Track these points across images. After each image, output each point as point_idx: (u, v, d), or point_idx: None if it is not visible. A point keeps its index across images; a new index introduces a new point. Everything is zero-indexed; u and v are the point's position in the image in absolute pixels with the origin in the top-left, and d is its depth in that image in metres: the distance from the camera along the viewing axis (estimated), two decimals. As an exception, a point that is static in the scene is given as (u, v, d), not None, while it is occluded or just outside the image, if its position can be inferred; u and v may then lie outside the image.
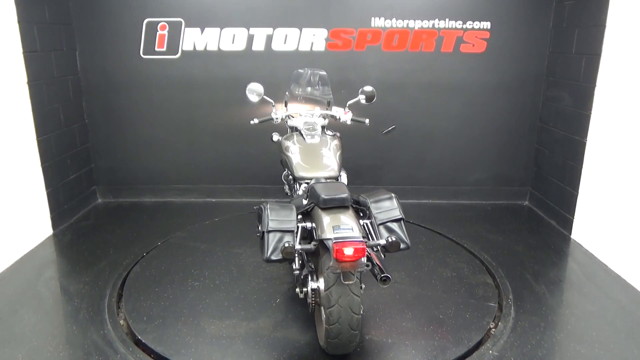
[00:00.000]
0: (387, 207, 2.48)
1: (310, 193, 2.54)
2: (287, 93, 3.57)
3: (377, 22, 4.41)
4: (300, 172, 2.96)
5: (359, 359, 2.52)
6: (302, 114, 3.39)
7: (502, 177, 4.86)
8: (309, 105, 3.53)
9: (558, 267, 3.59)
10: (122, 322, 2.86)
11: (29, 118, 3.76)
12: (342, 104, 3.48)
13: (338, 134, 3.32)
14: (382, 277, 2.16)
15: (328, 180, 2.81)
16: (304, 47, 4.46)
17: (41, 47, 3.90)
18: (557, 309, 3.03)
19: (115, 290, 3.16)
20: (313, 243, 2.40)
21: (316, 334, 2.66)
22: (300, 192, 2.99)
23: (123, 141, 4.74)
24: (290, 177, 3.26)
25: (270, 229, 2.34)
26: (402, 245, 2.42)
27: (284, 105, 3.53)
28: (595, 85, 3.73)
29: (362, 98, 3.39)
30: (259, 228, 2.47)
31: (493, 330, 2.81)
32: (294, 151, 3.10)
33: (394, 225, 2.46)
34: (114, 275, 3.35)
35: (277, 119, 3.40)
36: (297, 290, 2.56)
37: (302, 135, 3.21)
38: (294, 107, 3.51)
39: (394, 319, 2.86)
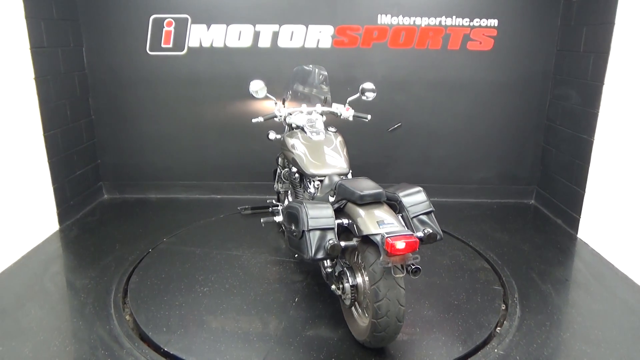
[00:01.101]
0: (418, 201, 2.52)
1: (340, 190, 2.53)
2: (289, 92, 3.55)
3: (384, 19, 4.40)
4: (311, 170, 2.97)
5: (396, 350, 2.53)
6: (304, 111, 3.39)
7: (508, 175, 4.84)
8: (306, 102, 3.53)
9: (564, 266, 3.57)
10: (127, 317, 2.88)
11: (36, 114, 3.78)
12: (346, 101, 3.47)
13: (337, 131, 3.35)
14: (413, 269, 2.20)
15: (341, 176, 2.90)
16: (310, 44, 4.45)
17: (48, 43, 3.91)
18: (563, 308, 3.02)
19: (121, 286, 3.18)
20: (355, 239, 2.39)
21: (347, 330, 2.67)
22: (312, 190, 3.01)
23: (129, 137, 4.76)
24: (296, 174, 3.26)
25: (311, 228, 2.34)
26: (437, 237, 2.47)
27: (282, 102, 3.53)
28: (603, 84, 3.70)
29: (362, 94, 3.40)
30: (292, 227, 2.50)
31: (498, 329, 2.80)
32: (301, 148, 3.11)
33: (426, 218, 2.49)
34: (120, 271, 3.37)
35: (280, 116, 3.40)
36: (334, 287, 2.58)
37: (304, 132, 3.22)
38: (292, 105, 3.52)
39: (414, 308, 2.91)
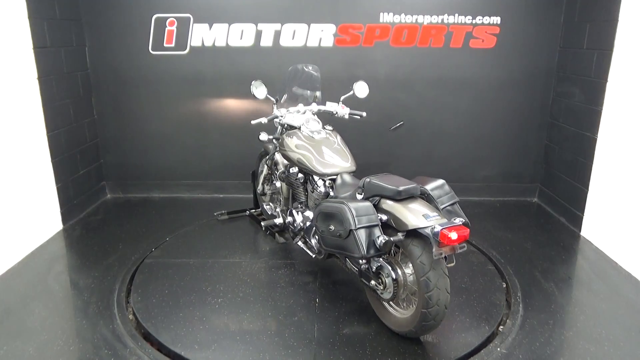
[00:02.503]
0: (444, 192, 2.58)
1: (370, 187, 2.56)
2: (285, 94, 3.52)
3: (386, 18, 4.39)
4: (322, 169, 3.00)
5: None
6: (301, 111, 3.38)
7: (511, 173, 4.83)
8: (302, 102, 3.53)
9: (567, 264, 3.56)
10: (130, 316, 2.89)
11: (39, 113, 3.79)
12: (347, 100, 3.47)
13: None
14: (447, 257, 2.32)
15: (350, 174, 2.99)
16: (312, 42, 4.45)
17: (51, 43, 3.92)
18: (566, 306, 3.01)
19: (125, 285, 3.19)
20: (400, 234, 2.41)
21: (379, 324, 2.73)
22: (322, 189, 3.04)
23: (132, 137, 4.77)
24: (298, 174, 3.25)
25: (359, 226, 2.37)
26: (469, 225, 2.52)
27: (274, 103, 3.51)
28: (606, 81, 3.69)
29: (355, 92, 3.40)
30: (331, 227, 2.51)
31: (501, 327, 2.79)
32: (305, 148, 3.12)
33: (453, 208, 2.55)
34: (123, 270, 3.38)
35: (281, 117, 3.39)
36: (373, 282, 2.57)
37: (302, 132, 3.23)
38: (286, 105, 3.51)
39: None
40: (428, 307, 2.35)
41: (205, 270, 3.37)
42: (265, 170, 3.86)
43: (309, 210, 3.25)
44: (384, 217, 2.48)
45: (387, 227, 2.47)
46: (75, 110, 4.31)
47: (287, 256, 3.58)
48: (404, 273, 2.51)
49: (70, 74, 4.24)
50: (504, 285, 3.22)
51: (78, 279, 3.30)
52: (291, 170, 3.31)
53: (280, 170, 3.52)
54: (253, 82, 3.36)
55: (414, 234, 2.36)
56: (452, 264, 2.40)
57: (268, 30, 4.42)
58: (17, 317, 2.84)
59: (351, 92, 3.40)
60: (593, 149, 3.85)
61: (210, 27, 4.43)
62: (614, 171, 3.65)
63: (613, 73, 3.63)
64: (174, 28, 4.45)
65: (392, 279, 2.49)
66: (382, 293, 2.57)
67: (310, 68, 3.52)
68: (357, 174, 3.28)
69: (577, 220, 4.05)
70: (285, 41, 4.45)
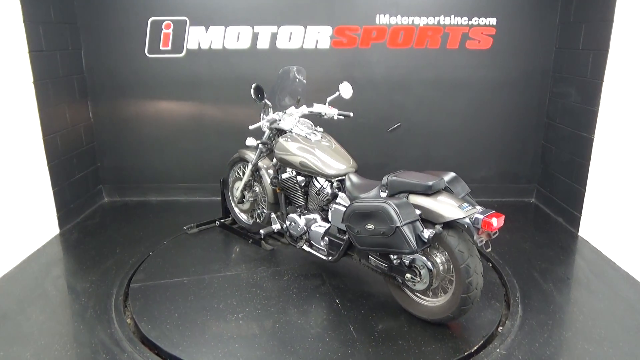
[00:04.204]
0: (460, 184, 2.69)
1: (395, 184, 2.65)
2: (276, 95, 3.49)
3: (382, 19, 4.39)
4: (328, 170, 3.02)
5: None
6: (294, 114, 3.38)
7: (508, 174, 4.83)
8: (294, 105, 3.52)
9: (565, 264, 3.57)
10: (128, 320, 2.87)
11: (35, 117, 3.78)
12: (326, 101, 3.46)
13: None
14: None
15: (355, 173, 3.06)
16: (309, 44, 4.45)
17: (47, 46, 3.91)
18: (565, 306, 3.01)
19: (122, 289, 3.17)
20: (438, 226, 2.48)
21: (407, 315, 2.82)
22: (328, 191, 3.07)
23: (128, 140, 4.75)
24: (299, 177, 3.23)
25: (405, 222, 2.44)
26: None
27: (271, 107, 3.49)
28: (602, 81, 3.70)
29: (341, 93, 3.39)
30: (372, 227, 2.54)
31: (500, 328, 2.79)
32: (306, 150, 3.12)
33: (466, 198, 2.65)
34: (121, 274, 3.36)
35: (279, 120, 3.38)
36: (409, 275, 2.63)
37: (297, 134, 3.24)
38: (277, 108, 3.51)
39: None
40: (469, 292, 2.50)
41: (207, 288, 3.17)
42: (245, 177, 3.75)
43: (311, 213, 3.24)
44: (418, 212, 2.55)
45: (422, 220, 2.55)
46: (71, 114, 4.30)
47: (282, 262, 3.52)
48: (436, 263, 2.62)
49: (66, 77, 4.22)
50: (503, 286, 3.22)
51: (75, 283, 3.28)
52: (288, 174, 3.29)
53: (272, 176, 3.47)
54: (253, 86, 3.35)
55: (448, 225, 2.48)
56: (489, 249, 2.55)
57: (264, 33, 4.42)
58: (14, 322, 2.82)
59: (337, 94, 3.39)
60: (590, 149, 3.85)
61: (207, 30, 4.42)
62: (611, 171, 3.65)
63: (609, 73, 3.64)
64: (170, 31, 4.44)
65: (428, 269, 2.58)
66: (415, 285, 2.65)
67: (294, 69, 3.50)
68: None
69: (575, 221, 4.06)
70: (282, 43, 4.44)
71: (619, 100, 3.56)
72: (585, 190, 3.93)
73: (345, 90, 3.38)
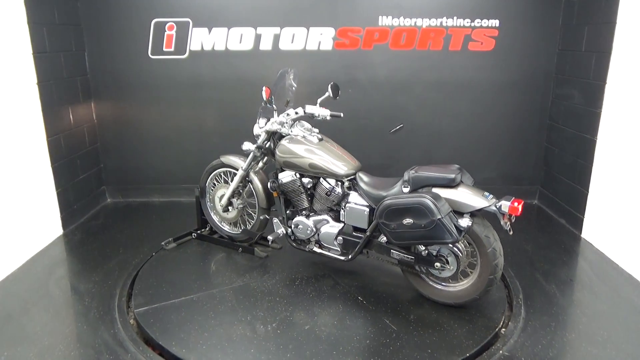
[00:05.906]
0: (466, 175, 2.88)
1: (418, 180, 2.79)
2: (272, 98, 3.47)
3: (385, 21, 4.40)
4: (340, 170, 3.07)
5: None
6: (291, 115, 3.34)
7: (511, 175, 4.83)
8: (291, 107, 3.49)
9: (568, 266, 3.56)
10: (131, 321, 2.88)
11: (39, 118, 3.79)
12: (317, 102, 3.43)
13: None
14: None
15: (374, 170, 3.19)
16: (312, 46, 4.46)
17: (50, 48, 3.93)
18: (568, 308, 3.01)
19: (125, 290, 3.18)
20: (465, 215, 2.67)
21: (431, 302, 2.96)
22: (339, 191, 3.09)
23: (132, 141, 4.77)
24: (304, 179, 3.21)
25: (445, 214, 2.59)
26: None
27: (275, 109, 3.44)
28: (605, 83, 3.70)
29: (331, 94, 3.32)
30: (412, 221, 2.64)
31: (503, 330, 2.79)
32: (313, 152, 3.14)
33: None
34: (124, 275, 3.37)
35: (285, 123, 3.35)
36: (438, 264, 2.79)
37: (298, 136, 3.24)
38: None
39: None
40: (495, 272, 2.71)
41: (222, 302, 3.00)
42: (234, 183, 3.60)
43: (317, 215, 3.23)
44: None
45: None
46: (75, 115, 4.31)
47: (282, 268, 3.43)
48: (462, 250, 2.81)
49: (70, 78, 4.24)
50: (505, 288, 3.22)
51: (79, 283, 3.29)
52: (290, 177, 3.24)
53: (270, 180, 3.37)
54: (264, 89, 3.32)
55: (472, 213, 2.68)
56: (512, 233, 2.72)
57: (267, 34, 4.43)
58: (18, 323, 2.83)
59: (327, 94, 3.37)
60: (593, 150, 3.85)
61: (210, 31, 4.43)
62: (614, 173, 3.65)
63: (612, 75, 3.64)
64: (173, 32, 4.45)
65: (455, 256, 2.77)
66: (441, 273, 2.82)
67: (289, 71, 3.47)
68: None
69: (578, 222, 4.05)
70: (285, 45, 4.45)
71: (621, 102, 3.56)
72: (588, 192, 3.92)
73: (335, 90, 3.37)
